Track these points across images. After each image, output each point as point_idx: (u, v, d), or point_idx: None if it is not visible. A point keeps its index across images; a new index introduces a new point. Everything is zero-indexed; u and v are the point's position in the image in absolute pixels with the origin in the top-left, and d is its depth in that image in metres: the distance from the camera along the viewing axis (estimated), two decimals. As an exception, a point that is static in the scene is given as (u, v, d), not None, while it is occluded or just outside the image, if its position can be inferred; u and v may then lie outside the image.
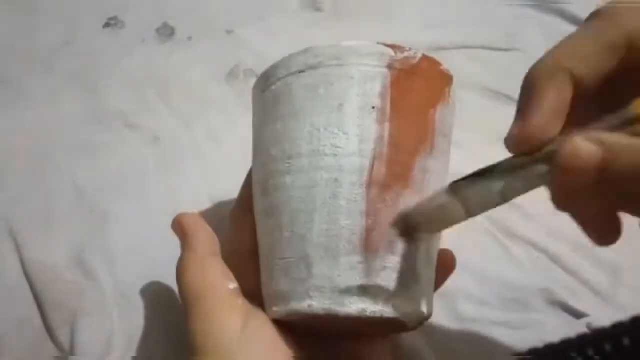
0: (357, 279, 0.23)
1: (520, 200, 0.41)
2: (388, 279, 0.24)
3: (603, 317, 0.34)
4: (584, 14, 0.54)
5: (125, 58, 0.45)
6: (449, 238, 0.28)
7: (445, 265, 0.29)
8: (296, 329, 0.26)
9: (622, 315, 0.33)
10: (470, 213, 0.22)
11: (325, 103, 0.24)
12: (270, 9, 0.49)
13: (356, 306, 0.23)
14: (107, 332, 0.33)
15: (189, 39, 0.47)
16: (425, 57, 0.25)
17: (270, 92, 0.26)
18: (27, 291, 0.34)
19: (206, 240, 0.28)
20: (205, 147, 0.41)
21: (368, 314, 0.23)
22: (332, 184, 0.24)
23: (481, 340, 0.35)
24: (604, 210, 0.20)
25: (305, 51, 0.25)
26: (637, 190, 0.17)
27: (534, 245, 0.38)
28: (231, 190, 0.38)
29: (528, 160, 0.20)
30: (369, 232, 0.23)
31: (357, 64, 0.24)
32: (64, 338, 0.33)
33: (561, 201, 0.19)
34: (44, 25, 0.46)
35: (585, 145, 0.17)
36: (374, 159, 0.24)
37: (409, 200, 0.24)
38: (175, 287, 0.34)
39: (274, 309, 0.25)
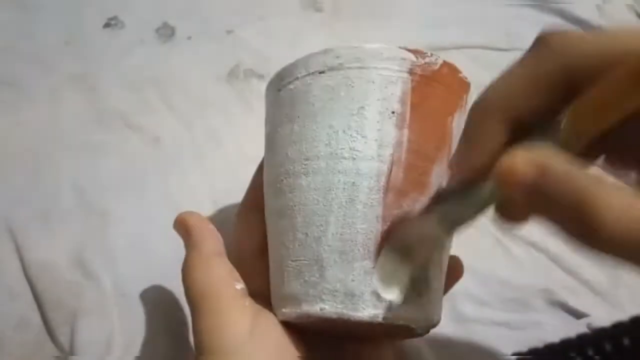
0: (371, 284, 0.23)
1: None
2: (402, 286, 0.24)
3: (603, 317, 0.34)
4: (584, 14, 0.54)
5: (125, 58, 0.45)
6: (449, 238, 0.28)
7: (454, 271, 0.28)
8: (303, 330, 0.26)
9: (622, 315, 0.33)
10: (448, 232, 0.23)
11: (345, 105, 0.24)
12: (270, 9, 0.49)
13: (368, 312, 0.23)
14: (107, 332, 0.33)
15: (189, 39, 0.47)
16: (445, 63, 0.25)
17: (287, 91, 0.26)
18: (27, 291, 0.34)
19: (211, 240, 0.28)
20: (205, 147, 0.41)
21: (380, 319, 0.23)
22: (349, 188, 0.23)
23: (481, 340, 0.35)
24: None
25: (326, 51, 0.25)
26: (560, 215, 0.17)
27: (534, 245, 0.38)
28: (231, 190, 0.38)
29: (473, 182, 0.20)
30: (384, 237, 0.23)
31: (378, 68, 0.24)
32: (64, 338, 0.33)
33: (503, 216, 0.20)
34: (44, 25, 0.46)
35: (519, 164, 0.17)
36: (392, 164, 0.23)
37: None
38: (175, 287, 0.34)
39: (284, 310, 0.25)
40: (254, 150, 0.41)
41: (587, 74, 0.17)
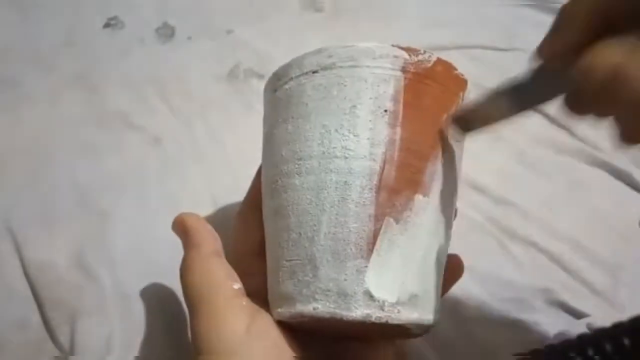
0: (363, 284, 0.23)
1: (520, 200, 0.41)
2: (396, 285, 0.23)
3: (603, 317, 0.34)
4: (584, 14, 0.53)
5: (125, 58, 0.45)
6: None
7: (454, 271, 0.28)
8: (300, 330, 0.26)
9: (622, 315, 0.33)
10: (510, 112, 0.23)
11: (338, 105, 0.24)
12: (270, 9, 0.49)
13: (361, 311, 0.23)
14: (107, 332, 0.33)
15: (189, 39, 0.47)
16: (439, 61, 0.25)
17: (282, 92, 0.26)
18: (27, 291, 0.34)
19: (209, 240, 0.28)
20: (205, 147, 0.41)
21: (373, 319, 0.23)
22: (341, 187, 0.23)
23: (481, 340, 0.35)
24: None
25: (319, 51, 0.25)
26: (625, 116, 0.17)
27: (534, 245, 0.38)
28: (231, 189, 0.38)
29: (553, 68, 0.21)
30: (377, 236, 0.23)
31: (370, 66, 0.24)
32: (64, 338, 0.33)
33: (575, 108, 0.20)
34: (44, 25, 0.46)
35: (598, 60, 0.17)
36: (384, 162, 0.23)
37: (418, 205, 0.24)
38: (175, 286, 0.34)
39: (279, 310, 0.25)
40: (254, 150, 0.41)
41: None
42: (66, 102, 0.42)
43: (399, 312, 0.23)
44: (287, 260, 0.25)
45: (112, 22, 0.47)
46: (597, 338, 0.31)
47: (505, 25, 0.49)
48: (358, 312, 0.23)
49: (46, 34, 0.46)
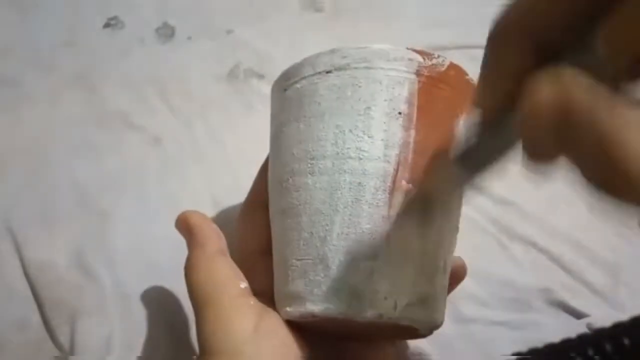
0: (375, 284, 0.23)
1: (519, 200, 0.41)
2: (407, 285, 0.24)
3: (603, 317, 0.34)
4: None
5: (125, 58, 0.45)
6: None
7: (457, 272, 0.28)
8: (306, 329, 0.26)
9: (622, 315, 0.33)
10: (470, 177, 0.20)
11: (352, 105, 0.24)
12: (270, 9, 0.49)
13: (372, 312, 0.23)
14: (107, 332, 0.33)
15: (189, 39, 0.47)
16: (452, 65, 0.25)
17: (293, 91, 0.26)
18: (27, 291, 0.34)
19: (214, 238, 0.28)
20: (205, 147, 0.41)
21: (385, 319, 0.23)
22: (355, 188, 0.23)
23: (481, 340, 0.35)
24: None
25: (333, 51, 0.25)
26: (583, 158, 0.14)
27: (534, 245, 0.38)
28: (231, 189, 0.38)
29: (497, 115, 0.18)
30: (389, 237, 0.23)
31: (385, 68, 0.24)
32: (64, 338, 0.33)
33: (535, 157, 0.16)
34: (44, 25, 0.46)
35: (542, 97, 0.14)
36: (398, 164, 0.23)
37: None
38: (175, 286, 0.34)
39: (288, 309, 0.25)
40: (254, 150, 0.41)
41: None
42: (66, 102, 0.42)
43: (409, 312, 0.23)
44: (297, 259, 0.24)
45: (112, 22, 0.47)
46: (597, 338, 0.31)
47: (505, 25, 0.49)
48: (370, 312, 0.23)
49: (46, 34, 0.46)
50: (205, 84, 0.44)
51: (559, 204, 0.40)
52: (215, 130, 0.42)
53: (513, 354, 0.33)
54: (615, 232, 0.39)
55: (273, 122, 0.28)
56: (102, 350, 0.32)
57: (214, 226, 0.29)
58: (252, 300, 0.26)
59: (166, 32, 0.47)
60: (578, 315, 0.35)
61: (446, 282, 0.26)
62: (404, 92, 0.24)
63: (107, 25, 0.47)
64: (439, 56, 0.25)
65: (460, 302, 0.35)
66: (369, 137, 0.24)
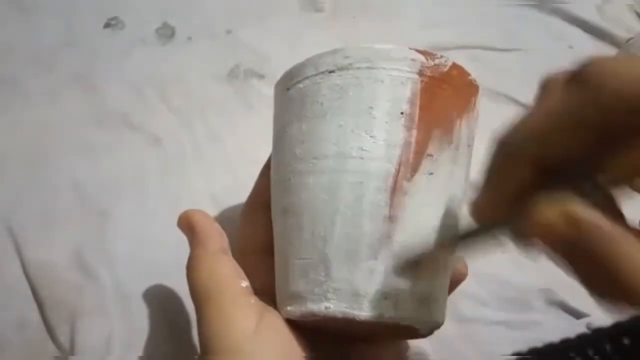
0: (376, 284, 0.23)
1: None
2: (408, 286, 0.24)
3: (603, 317, 0.34)
4: (584, 14, 0.54)
5: (125, 58, 0.45)
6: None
7: (458, 273, 0.28)
8: (307, 329, 0.26)
9: (622, 315, 0.33)
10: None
11: (354, 105, 0.24)
12: (270, 9, 0.49)
13: (374, 311, 0.23)
14: (107, 332, 0.33)
15: (189, 39, 0.47)
16: (455, 65, 0.25)
17: (296, 90, 0.26)
18: (27, 291, 0.34)
19: (216, 237, 0.28)
20: (205, 147, 0.41)
21: (385, 319, 0.23)
22: (356, 187, 0.23)
23: (481, 340, 0.35)
24: None
25: (335, 51, 0.25)
26: (586, 271, 0.16)
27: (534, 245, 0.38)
28: (231, 190, 0.38)
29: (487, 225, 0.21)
30: (390, 237, 0.23)
31: (387, 68, 0.24)
32: (64, 338, 0.33)
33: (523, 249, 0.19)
34: (44, 25, 0.46)
35: (553, 219, 0.16)
36: (400, 164, 0.23)
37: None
38: (175, 286, 0.34)
39: (289, 308, 0.25)
40: (254, 150, 0.41)
41: (635, 117, 0.15)
42: (66, 102, 0.42)
43: (410, 312, 0.24)
44: (298, 259, 0.25)
45: (112, 22, 0.47)
46: (597, 338, 0.31)
47: (505, 25, 0.49)
48: (370, 312, 0.23)
49: (46, 34, 0.46)
50: (205, 84, 0.44)
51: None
52: (215, 130, 0.42)
53: (513, 354, 0.33)
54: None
55: (276, 122, 0.28)
56: (102, 350, 0.32)
57: (216, 225, 0.29)
58: (253, 299, 0.26)
59: (166, 32, 0.47)
60: (578, 315, 0.35)
61: (447, 282, 0.26)
62: (407, 92, 0.24)
63: (107, 25, 0.47)
64: (441, 56, 0.25)
65: (460, 302, 0.35)
66: (371, 136, 0.24)
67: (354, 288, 0.23)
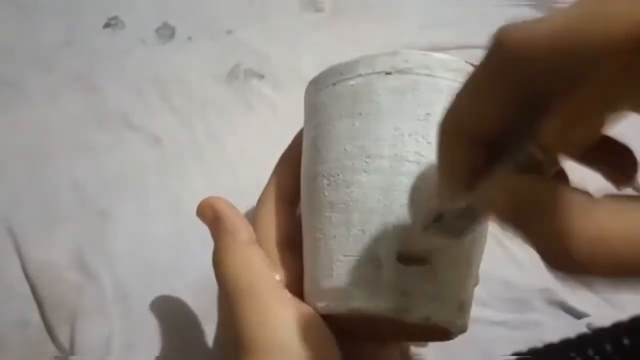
0: (425, 287, 0.23)
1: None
2: (452, 291, 0.24)
3: (603, 317, 0.34)
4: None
5: (125, 58, 0.45)
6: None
7: None
8: (331, 325, 0.25)
9: (622, 315, 0.33)
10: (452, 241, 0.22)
11: (412, 110, 0.24)
12: (270, 9, 0.49)
13: (421, 313, 0.23)
14: (107, 332, 0.33)
15: (189, 39, 0.47)
16: None
17: (345, 87, 0.26)
18: (27, 291, 0.34)
19: (246, 226, 0.26)
20: (205, 147, 0.41)
21: (432, 322, 0.23)
22: (411, 191, 0.24)
23: (481, 340, 0.35)
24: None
25: (394, 54, 0.25)
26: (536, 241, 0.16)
27: (534, 245, 0.38)
28: (232, 189, 0.38)
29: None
30: (441, 242, 0.23)
31: (446, 78, 0.25)
32: (64, 338, 0.33)
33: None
34: (44, 25, 0.46)
35: (494, 196, 0.16)
36: None
37: None
38: (175, 286, 0.34)
39: (330, 304, 0.25)
40: (254, 150, 0.41)
41: (559, 77, 0.14)
42: (66, 102, 0.42)
43: (451, 316, 0.24)
44: (344, 256, 0.24)
45: (112, 22, 0.47)
46: (597, 338, 0.31)
47: (505, 26, 0.49)
48: (417, 314, 0.23)
49: (46, 34, 0.46)
50: (205, 84, 0.44)
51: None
52: (215, 130, 0.42)
53: (513, 354, 0.33)
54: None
55: (316, 116, 0.28)
56: (102, 350, 0.32)
57: (242, 214, 0.27)
58: (288, 294, 0.25)
59: (166, 32, 0.47)
60: (578, 315, 0.35)
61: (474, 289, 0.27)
62: None
63: (107, 25, 0.47)
64: None
65: (460, 302, 0.35)
66: (427, 142, 0.24)
67: (404, 289, 0.23)
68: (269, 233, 0.28)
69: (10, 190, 0.38)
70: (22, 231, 0.36)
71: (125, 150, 0.41)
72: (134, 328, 0.34)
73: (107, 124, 0.42)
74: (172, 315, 0.34)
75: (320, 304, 0.25)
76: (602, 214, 0.13)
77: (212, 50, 0.46)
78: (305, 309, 0.25)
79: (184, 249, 0.36)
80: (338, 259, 0.25)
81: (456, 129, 0.17)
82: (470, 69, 0.24)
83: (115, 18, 0.47)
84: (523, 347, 0.34)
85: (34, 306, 0.34)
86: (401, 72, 0.25)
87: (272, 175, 0.30)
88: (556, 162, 0.16)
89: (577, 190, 0.14)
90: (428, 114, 0.24)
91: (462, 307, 0.25)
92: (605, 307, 0.36)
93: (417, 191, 0.24)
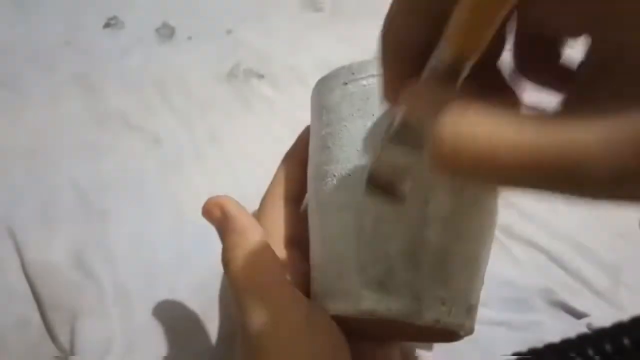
0: (435, 289, 0.23)
1: (520, 200, 0.41)
2: (461, 293, 0.24)
3: (603, 317, 0.34)
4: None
5: (125, 58, 0.45)
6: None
7: None
8: (341, 325, 0.25)
9: (622, 315, 0.33)
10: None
11: None
12: (270, 9, 0.49)
13: (431, 315, 0.23)
14: (107, 332, 0.33)
15: (189, 39, 0.47)
16: None
17: (357, 86, 0.26)
18: (27, 291, 0.34)
19: (256, 225, 0.26)
20: (205, 147, 0.41)
21: (441, 324, 0.24)
22: (424, 193, 0.24)
23: (481, 340, 0.35)
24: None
25: None
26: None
27: (534, 245, 0.38)
28: (232, 189, 0.38)
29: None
30: (451, 245, 0.24)
31: None
32: (64, 338, 0.33)
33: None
34: (44, 25, 0.46)
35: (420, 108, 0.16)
36: None
37: (487, 224, 0.25)
38: (176, 286, 0.34)
39: (340, 305, 0.25)
40: (254, 150, 0.41)
41: None
42: (66, 102, 0.42)
43: (460, 319, 0.24)
44: (355, 256, 0.24)
45: (112, 22, 0.47)
46: (597, 338, 0.31)
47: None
48: (428, 316, 0.23)
49: (46, 34, 0.46)
50: (205, 84, 0.44)
51: (559, 204, 0.40)
52: (215, 130, 0.42)
53: (513, 354, 0.33)
54: (615, 232, 0.39)
55: (324, 115, 0.27)
56: (102, 350, 0.32)
57: (249, 213, 0.27)
58: (299, 292, 0.25)
59: (166, 32, 0.47)
60: (578, 315, 0.35)
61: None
62: None
63: (107, 25, 0.47)
64: None
65: (460, 302, 0.36)
66: None
67: (415, 291, 0.23)
68: (275, 232, 0.28)
69: (10, 190, 0.38)
70: (22, 231, 0.36)
71: (125, 150, 0.41)
72: (134, 328, 0.33)
73: (107, 124, 0.42)
74: (172, 315, 0.34)
75: (330, 305, 0.25)
76: (471, 117, 0.13)
77: (212, 50, 0.46)
78: (316, 308, 0.25)
79: (184, 248, 0.36)
80: (348, 259, 0.24)
81: (392, 40, 0.18)
82: None
83: (115, 18, 0.47)
84: (523, 347, 0.34)
85: (34, 306, 0.34)
86: None
87: (276, 174, 0.30)
88: (466, 66, 0.16)
89: (473, 100, 0.14)
90: None
91: (471, 310, 0.25)
92: (605, 307, 0.36)
93: (428, 194, 0.24)
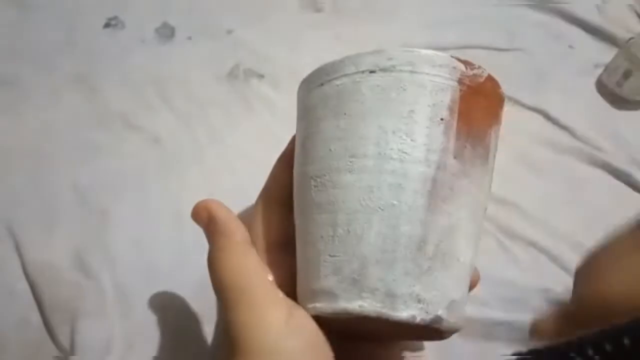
0: (410, 286, 0.23)
1: (520, 200, 0.41)
2: (439, 289, 0.24)
3: (603, 317, 0.34)
4: (584, 14, 0.54)
5: (125, 58, 0.45)
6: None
7: (472, 279, 0.28)
8: (326, 326, 0.25)
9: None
10: None
11: (396, 108, 0.24)
12: (270, 9, 0.49)
13: (407, 312, 0.23)
14: (107, 332, 0.33)
15: (189, 39, 0.47)
16: (489, 77, 0.25)
17: (331, 87, 0.26)
18: (27, 291, 0.34)
19: (240, 228, 0.27)
20: (205, 147, 0.41)
21: (417, 321, 0.23)
22: (395, 189, 0.24)
23: (481, 340, 0.35)
24: None
25: (377, 52, 0.25)
26: None
27: (534, 245, 0.38)
28: (232, 189, 0.38)
29: None
30: (426, 240, 0.24)
31: (430, 74, 0.24)
32: (64, 338, 0.33)
33: None
34: (44, 25, 0.46)
35: None
36: (438, 169, 0.24)
37: (464, 214, 0.25)
38: (175, 286, 0.34)
39: (318, 305, 0.25)
40: (254, 150, 0.41)
41: None
42: (66, 102, 0.42)
43: (440, 315, 0.24)
44: (330, 256, 0.24)
45: (112, 22, 0.47)
46: (597, 338, 0.31)
47: (505, 25, 0.49)
48: (404, 313, 0.23)
49: (46, 34, 0.46)
50: (205, 84, 0.44)
51: (559, 204, 0.40)
52: (215, 130, 0.42)
53: (513, 354, 0.33)
54: (615, 232, 0.39)
55: (305, 117, 0.28)
56: (102, 350, 0.32)
57: (235, 215, 0.28)
58: (281, 294, 0.25)
59: (166, 32, 0.47)
60: (578, 315, 0.35)
61: (468, 287, 0.27)
62: (447, 99, 0.24)
63: (107, 25, 0.47)
64: (479, 67, 0.25)
65: (460, 302, 0.35)
66: (411, 140, 0.24)
67: (388, 288, 0.23)
68: (262, 234, 0.28)
69: (11, 190, 0.38)
70: (22, 231, 0.36)
71: (125, 150, 0.41)
72: (134, 328, 0.34)
73: (107, 124, 0.42)
74: (172, 315, 0.34)
75: (309, 306, 0.25)
76: None
77: (212, 50, 0.46)
78: (298, 309, 0.25)
79: (183, 248, 0.36)
80: (325, 259, 0.25)
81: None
82: (457, 64, 0.24)
83: (115, 18, 0.47)
84: (523, 347, 0.34)
85: (34, 306, 0.34)
86: (385, 70, 0.25)
87: (269, 176, 0.30)
88: None
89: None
90: (412, 110, 0.24)
91: (453, 306, 0.24)
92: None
93: (399, 190, 0.24)
